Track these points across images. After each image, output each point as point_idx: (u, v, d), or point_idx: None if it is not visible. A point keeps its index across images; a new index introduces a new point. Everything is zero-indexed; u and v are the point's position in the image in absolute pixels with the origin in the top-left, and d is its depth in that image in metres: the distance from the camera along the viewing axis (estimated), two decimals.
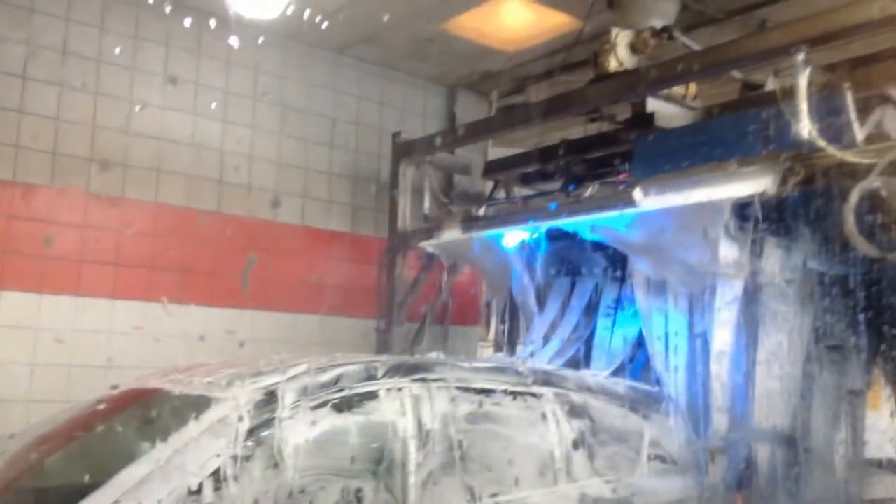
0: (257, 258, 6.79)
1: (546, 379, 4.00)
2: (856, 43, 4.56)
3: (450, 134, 7.37)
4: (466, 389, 3.57)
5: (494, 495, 3.39)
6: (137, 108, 6.26)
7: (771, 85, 5.05)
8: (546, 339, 5.76)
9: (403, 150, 7.10)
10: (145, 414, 3.23)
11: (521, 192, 7.28)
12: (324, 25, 6.65)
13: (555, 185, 6.81)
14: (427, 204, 6.94)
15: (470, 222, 6.25)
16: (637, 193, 5.05)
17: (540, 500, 3.52)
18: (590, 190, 5.51)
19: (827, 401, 4.46)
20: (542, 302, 6.05)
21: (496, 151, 7.92)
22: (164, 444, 2.82)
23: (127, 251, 6.19)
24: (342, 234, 7.41)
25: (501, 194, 7.36)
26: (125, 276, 6.16)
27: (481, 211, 6.27)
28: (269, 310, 6.80)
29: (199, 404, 3.00)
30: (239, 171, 6.84)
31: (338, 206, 7.44)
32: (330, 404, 3.13)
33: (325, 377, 3.19)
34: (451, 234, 6.42)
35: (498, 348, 6.74)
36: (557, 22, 6.60)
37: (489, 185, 7.74)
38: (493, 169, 7.39)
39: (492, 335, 7.00)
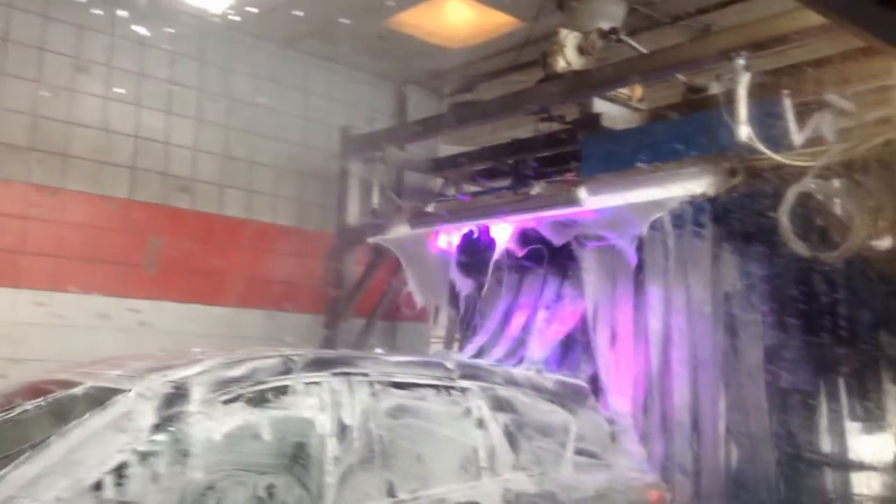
0: (211, 252, 6.68)
1: (472, 373, 3.98)
2: (796, 49, 4.68)
3: (399, 130, 7.37)
4: (389, 384, 3.54)
5: (415, 491, 3.37)
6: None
7: (714, 89, 5.15)
8: (495, 336, 5.82)
9: (352, 146, 7.08)
10: (50, 406, 3.09)
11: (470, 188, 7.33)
12: (269, 18, 6.59)
13: (504, 182, 6.87)
14: (375, 200, 6.93)
15: (418, 218, 6.27)
16: (582, 192, 5.12)
17: (462, 495, 3.50)
18: (536, 188, 5.57)
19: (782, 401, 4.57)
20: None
21: (447, 149, 7.95)
22: (64, 437, 2.73)
23: (67, 243, 6.05)
24: (288, 229, 7.34)
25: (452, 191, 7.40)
26: (66, 268, 6.03)
27: (430, 207, 6.29)
28: (209, 304, 6.69)
29: (105, 397, 2.90)
30: (182, 164, 6.74)
31: (284, 201, 7.37)
32: (243, 398, 3.05)
33: (238, 371, 3.11)
34: (400, 231, 6.43)
35: (448, 344, 6.74)
36: (500, 21, 6.64)
37: (439, 181, 7.78)
38: (442, 166, 7.42)
39: (442, 331, 7.00)
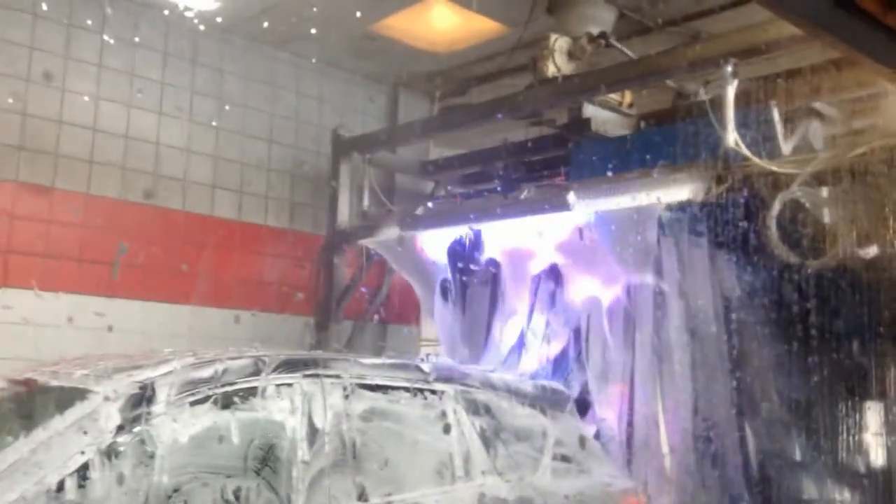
0: (202, 253, 6.66)
1: (447, 376, 3.93)
2: (783, 57, 4.70)
3: (390, 132, 7.38)
4: (362, 386, 3.50)
5: (388, 495, 3.33)
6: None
7: (702, 95, 5.17)
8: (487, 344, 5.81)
9: (343, 147, 7.08)
10: (13, 406, 3.08)
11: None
12: (260, 20, 6.58)
13: (494, 185, 6.88)
14: (366, 202, 6.93)
15: (408, 221, 6.27)
16: (571, 197, 5.13)
17: (436, 500, 3.46)
18: (525, 192, 5.58)
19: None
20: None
21: (438, 152, 7.96)
22: (26, 438, 2.70)
23: (55, 242, 6.04)
24: (279, 230, 7.33)
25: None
26: (53, 268, 6.01)
27: (419, 210, 6.29)
28: (199, 305, 6.66)
29: (70, 397, 2.86)
30: (174, 165, 6.72)
31: (275, 202, 7.35)
32: (211, 400, 3.00)
33: (206, 371, 3.06)
34: (390, 233, 6.43)
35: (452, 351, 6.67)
36: (486, 27, 6.63)
37: (430, 184, 7.79)
38: (432, 169, 7.42)
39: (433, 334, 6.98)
